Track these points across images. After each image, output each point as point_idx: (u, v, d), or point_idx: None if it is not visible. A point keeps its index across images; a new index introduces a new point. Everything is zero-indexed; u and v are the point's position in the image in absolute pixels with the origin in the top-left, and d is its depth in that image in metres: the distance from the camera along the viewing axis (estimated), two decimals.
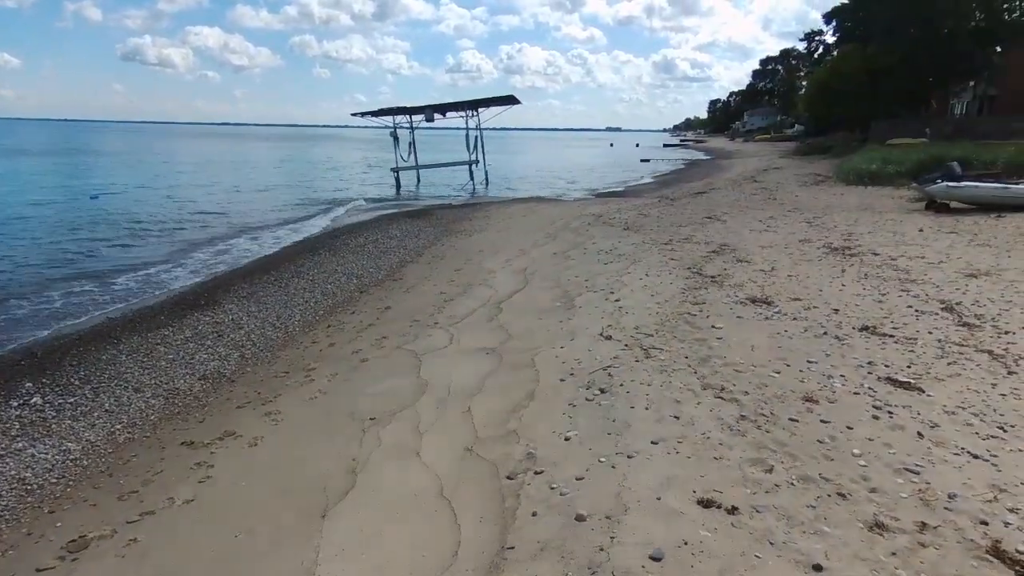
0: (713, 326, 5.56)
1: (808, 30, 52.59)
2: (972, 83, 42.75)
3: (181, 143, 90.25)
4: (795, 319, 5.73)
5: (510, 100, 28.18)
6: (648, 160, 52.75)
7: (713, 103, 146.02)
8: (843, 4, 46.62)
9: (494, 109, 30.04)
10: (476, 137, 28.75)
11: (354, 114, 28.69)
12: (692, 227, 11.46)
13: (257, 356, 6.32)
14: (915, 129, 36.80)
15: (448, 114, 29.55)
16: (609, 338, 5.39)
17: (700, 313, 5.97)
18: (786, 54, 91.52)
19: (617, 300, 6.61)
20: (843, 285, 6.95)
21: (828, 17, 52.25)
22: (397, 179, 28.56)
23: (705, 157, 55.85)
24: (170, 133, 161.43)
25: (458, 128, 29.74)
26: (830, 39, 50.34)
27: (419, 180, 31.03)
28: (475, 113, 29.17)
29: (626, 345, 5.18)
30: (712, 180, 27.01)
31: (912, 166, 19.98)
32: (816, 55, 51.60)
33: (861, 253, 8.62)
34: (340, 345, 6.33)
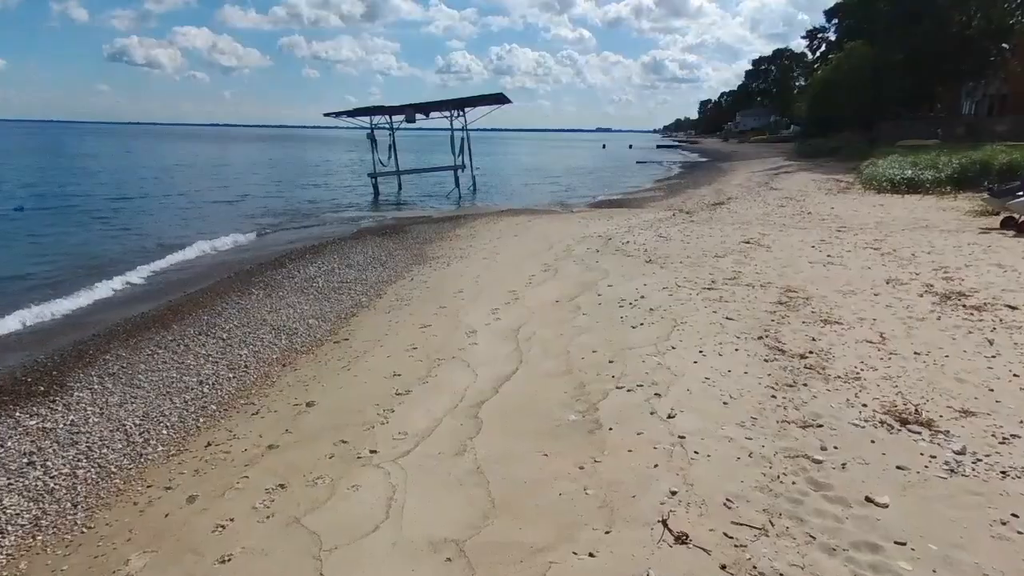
0: (870, 498, 3.00)
1: (811, 27, 50.45)
2: (983, 81, 40.84)
3: (162, 144, 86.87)
4: (1003, 473, 3.19)
5: (499, 99, 25.66)
6: (644, 162, 50.53)
7: (704, 103, 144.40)
8: (846, 0, 44.63)
9: (482, 109, 27.46)
10: (463, 139, 26.14)
11: (327, 114, 25.95)
12: (733, 257, 8.91)
13: (58, 523, 3.66)
14: (923, 130, 34.78)
15: (432, 114, 26.93)
16: (684, 540, 2.79)
17: (827, 458, 3.40)
18: (779, 54, 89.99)
19: (671, 416, 4.03)
20: (1015, 378, 4.43)
21: (830, 14, 50.34)
22: (375, 186, 25.91)
23: (702, 159, 53.70)
24: (155, 134, 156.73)
25: (444, 129, 27.07)
26: (832, 36, 48.30)
27: (400, 187, 28.35)
28: (461, 113, 26.56)
29: (723, 567, 2.60)
30: (721, 186, 24.63)
31: (953, 172, 17.76)
32: (818, 53, 49.42)
33: (991, 307, 6.11)
34: (203, 499, 3.70)
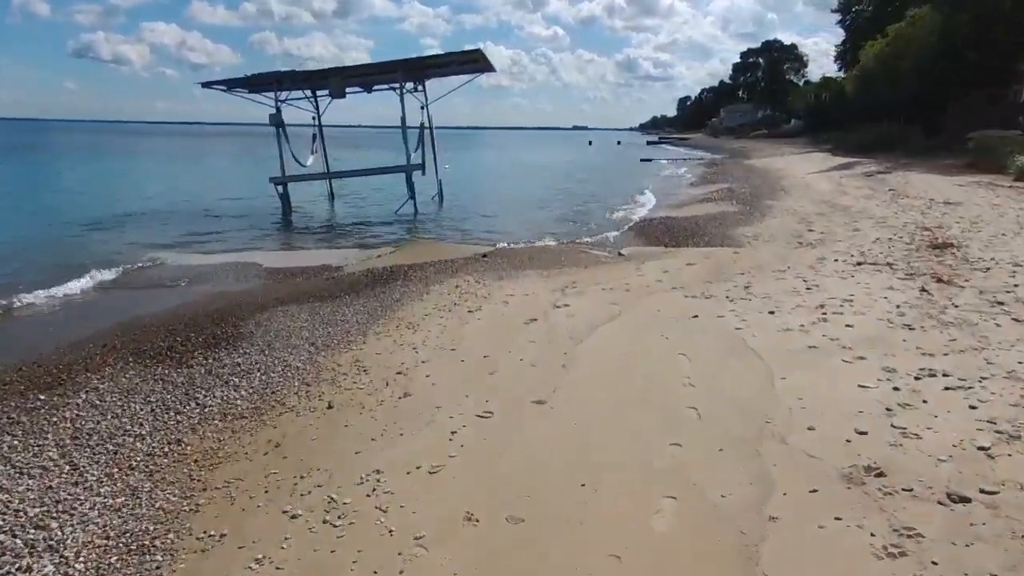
0: None
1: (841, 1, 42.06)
2: None
3: (100, 139, 74.89)
4: None
5: (475, 60, 16.46)
6: (649, 160, 41.90)
7: (683, 100, 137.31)
8: None
9: (451, 80, 18.39)
10: (422, 126, 16.94)
11: (205, 84, 16.60)
12: None
13: None
14: (988, 116, 26.87)
15: (375, 88, 17.72)
16: None
17: None
18: (768, 46, 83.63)
19: None
20: None
21: None
22: (283, 196, 16.34)
23: (716, 156, 45.02)
24: (112, 132, 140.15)
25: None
26: (869, 10, 40.36)
27: (332, 195, 19.13)
28: (419, 86, 17.35)
29: None
30: (827, 198, 16.03)
31: None
32: (852, 28, 41.31)
33: None
34: None
